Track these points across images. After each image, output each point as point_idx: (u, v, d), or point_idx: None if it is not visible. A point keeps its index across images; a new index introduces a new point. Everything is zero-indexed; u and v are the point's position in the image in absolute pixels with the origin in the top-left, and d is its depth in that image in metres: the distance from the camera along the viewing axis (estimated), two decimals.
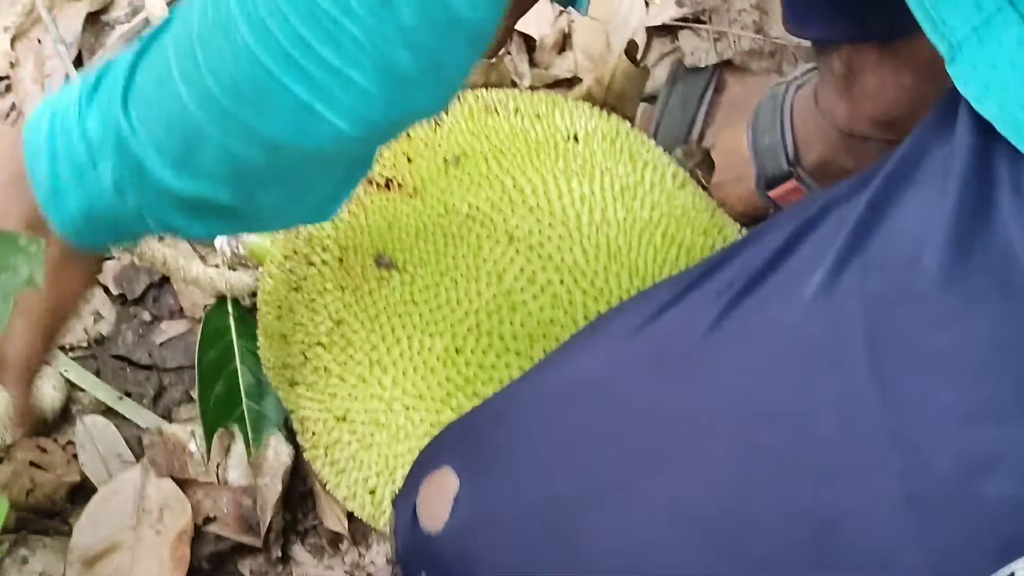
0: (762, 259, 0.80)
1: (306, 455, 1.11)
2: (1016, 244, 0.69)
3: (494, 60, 1.37)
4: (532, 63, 1.43)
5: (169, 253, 1.27)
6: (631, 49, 1.33)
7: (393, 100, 0.75)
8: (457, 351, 0.97)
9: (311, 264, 1.07)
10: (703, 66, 1.37)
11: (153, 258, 1.26)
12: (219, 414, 1.24)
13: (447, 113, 1.10)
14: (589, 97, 1.30)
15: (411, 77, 0.73)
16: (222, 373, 1.25)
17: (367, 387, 1.00)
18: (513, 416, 0.87)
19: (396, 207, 1.04)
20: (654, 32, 1.43)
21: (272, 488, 1.19)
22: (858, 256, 0.75)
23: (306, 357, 1.06)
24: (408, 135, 1.09)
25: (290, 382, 1.09)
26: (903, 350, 0.76)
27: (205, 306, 1.33)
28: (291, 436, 1.20)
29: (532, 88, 1.41)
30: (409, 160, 1.07)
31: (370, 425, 1.00)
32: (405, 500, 0.88)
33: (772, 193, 1.27)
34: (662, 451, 0.80)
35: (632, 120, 1.32)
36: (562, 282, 0.97)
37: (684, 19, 1.42)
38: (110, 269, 1.36)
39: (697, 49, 1.38)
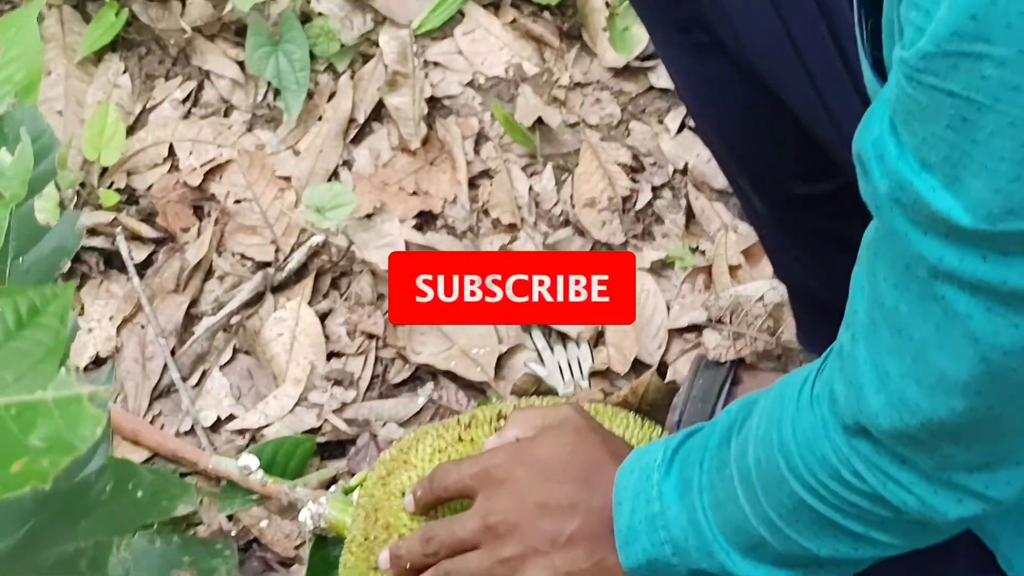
0: None
1: None
2: None
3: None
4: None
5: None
6: (661, 368, 1.56)
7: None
8: None
9: None
10: (722, 361, 1.60)
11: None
12: None
13: (506, 419, 1.31)
14: (625, 403, 1.51)
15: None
16: (330, 571, 1.41)
17: None
18: None
19: (463, 504, 1.22)
20: (674, 333, 1.67)
21: None
22: None
23: None
24: (472, 439, 1.28)
25: None
26: None
27: (296, 546, 1.55)
28: None
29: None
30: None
31: None
32: None
33: None
34: None
35: (662, 424, 1.54)
36: None
37: (707, 321, 1.65)
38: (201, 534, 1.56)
39: (719, 346, 1.60)
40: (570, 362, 1.65)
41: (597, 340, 1.67)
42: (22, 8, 1.87)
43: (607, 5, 1.90)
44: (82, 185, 1.86)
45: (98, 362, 1.73)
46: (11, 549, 0.81)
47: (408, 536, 1.18)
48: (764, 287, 1.63)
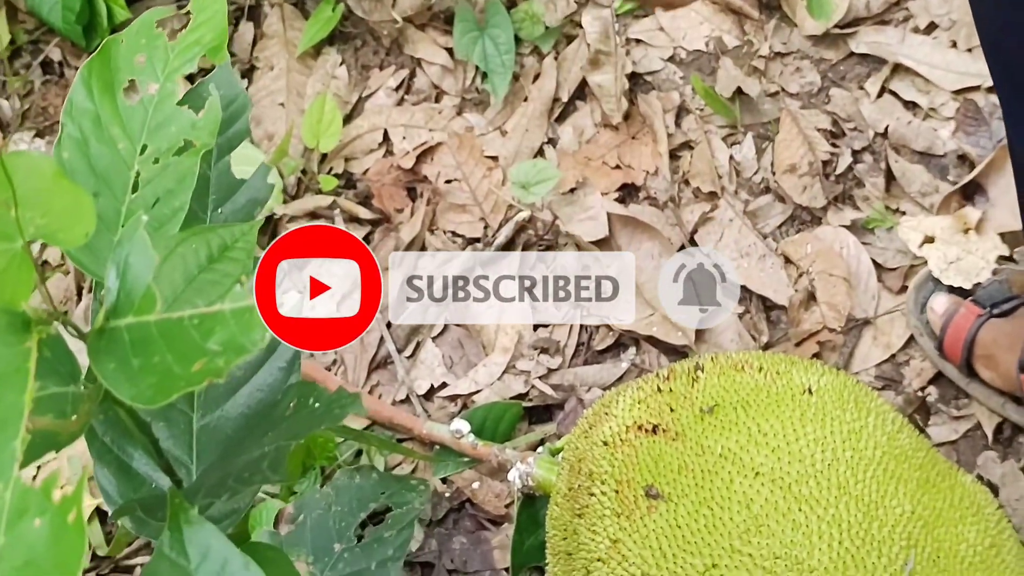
0: None
1: None
2: None
3: None
4: (769, 321, 1.67)
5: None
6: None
7: None
8: (714, 566, 1.18)
9: (592, 495, 1.31)
10: None
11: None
12: (528, 556, 1.49)
13: (703, 370, 1.35)
14: None
15: None
16: (538, 528, 1.48)
17: None
18: None
19: (662, 448, 1.28)
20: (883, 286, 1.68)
21: None
22: None
23: (588, 571, 1.28)
24: (671, 389, 1.33)
25: None
26: None
27: (506, 505, 1.60)
28: None
29: (789, 345, 1.65)
30: (672, 410, 1.31)
31: None
32: None
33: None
34: None
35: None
36: (800, 509, 1.18)
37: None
38: None
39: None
40: None
41: (808, 302, 1.68)
42: None
43: None
44: (303, 171, 1.96)
45: None
46: (215, 460, 0.91)
47: None
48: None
